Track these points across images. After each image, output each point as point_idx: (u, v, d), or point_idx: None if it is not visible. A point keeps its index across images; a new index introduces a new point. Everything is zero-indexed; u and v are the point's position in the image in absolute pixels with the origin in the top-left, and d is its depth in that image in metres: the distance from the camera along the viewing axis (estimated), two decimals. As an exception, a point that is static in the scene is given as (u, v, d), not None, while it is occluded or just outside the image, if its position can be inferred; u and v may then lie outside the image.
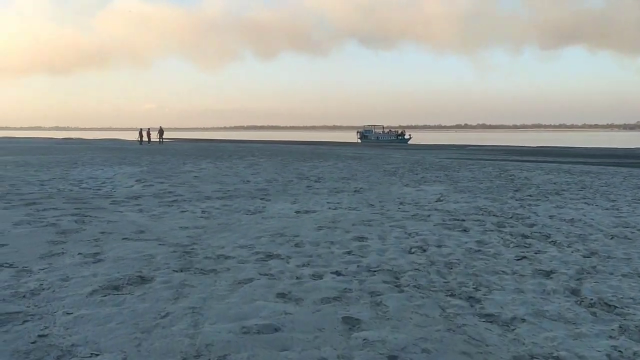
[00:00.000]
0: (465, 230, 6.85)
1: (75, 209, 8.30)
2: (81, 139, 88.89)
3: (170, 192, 10.68)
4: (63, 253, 5.38)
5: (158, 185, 11.94)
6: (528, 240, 6.30)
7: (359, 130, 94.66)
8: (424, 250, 5.75)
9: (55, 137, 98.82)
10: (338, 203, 9.60)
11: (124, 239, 6.15)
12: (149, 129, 50.97)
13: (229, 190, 11.18)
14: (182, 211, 8.37)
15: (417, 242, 6.19)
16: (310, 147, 50.06)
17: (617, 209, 9.01)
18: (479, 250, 5.75)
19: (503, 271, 4.95)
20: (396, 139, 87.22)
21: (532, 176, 16.43)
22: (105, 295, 4.05)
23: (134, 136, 60.07)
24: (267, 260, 5.24)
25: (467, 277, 4.76)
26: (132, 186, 11.95)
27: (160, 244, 5.88)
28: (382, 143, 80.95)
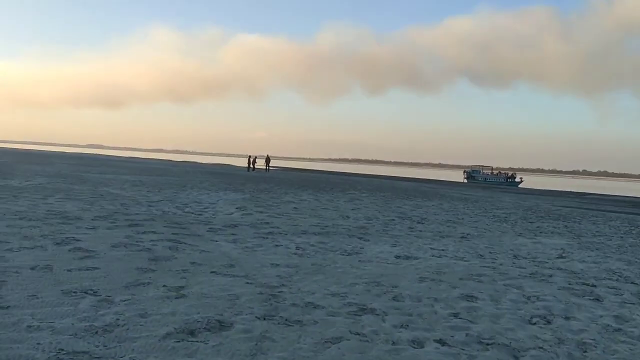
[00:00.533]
0: (598, 300, 5.73)
1: (173, 234, 8.27)
2: (196, 162, 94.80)
3: (267, 223, 10.46)
4: (149, 283, 5.16)
5: (257, 215, 11.82)
6: (684, 322, 5.07)
7: (466, 169, 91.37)
8: (549, 322, 4.79)
9: (174, 159, 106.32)
10: (443, 250, 8.74)
11: (212, 272, 5.85)
12: (255, 156, 52.71)
13: (326, 226, 10.74)
14: (277, 245, 8.02)
15: (538, 309, 5.22)
16: (414, 185, 48.81)
17: None
18: (619, 330, 4.68)
19: (657, 364, 3.90)
20: (506, 181, 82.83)
21: (671, 235, 14.25)
22: (178, 341, 3.66)
23: (245, 162, 62.52)
24: (360, 315, 4.61)
25: (609, 367, 3.78)
26: (232, 213, 11.94)
27: (247, 282, 5.48)
28: (490, 185, 77.23)
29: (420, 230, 11.35)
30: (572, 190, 70.80)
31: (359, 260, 7.25)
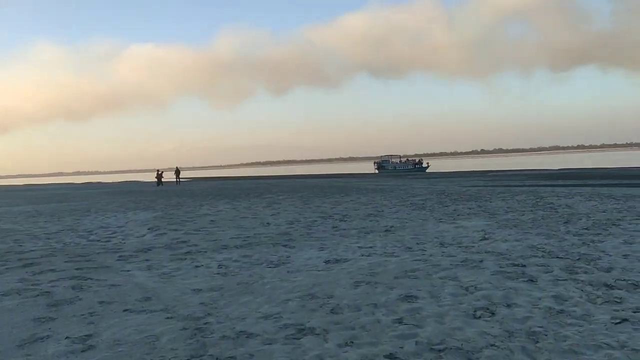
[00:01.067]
0: (532, 281, 5.70)
1: (76, 269, 7.34)
2: (101, 182, 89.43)
3: (184, 242, 9.70)
4: (49, 337, 4.38)
5: (171, 234, 10.99)
6: (615, 292, 5.12)
7: (376, 160, 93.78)
8: (493, 313, 4.62)
9: (76, 182, 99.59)
10: (371, 247, 8.51)
11: (125, 310, 5.13)
12: (162, 170, 50.52)
13: (248, 237, 10.17)
14: (197, 266, 7.36)
15: (479, 299, 5.06)
16: (328, 181, 49.11)
17: (697, 242, 7.76)
18: (562, 312, 4.60)
19: (607, 344, 3.81)
20: (414, 168, 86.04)
21: (573, 203, 15.15)
22: (87, 412, 3.01)
23: (154, 177, 59.86)
24: (299, 338, 4.16)
25: (565, 356, 3.62)
26: (144, 235, 11.02)
27: (168, 317, 4.84)
28: (400, 173, 79.79)
29: (345, 229, 11.10)
30: (475, 170, 74.93)
31: (288, 271, 6.79)
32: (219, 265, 7.33)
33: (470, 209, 14.80)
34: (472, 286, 5.56)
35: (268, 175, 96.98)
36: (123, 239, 10.53)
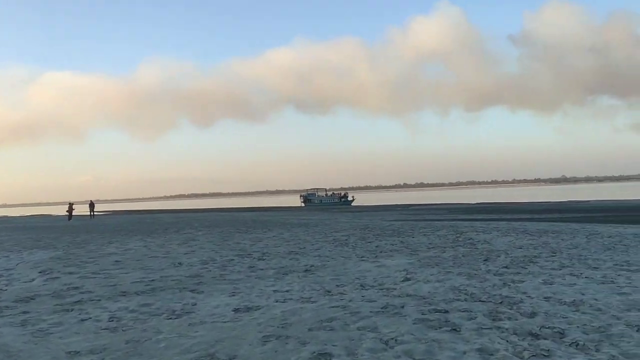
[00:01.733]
0: (456, 330, 5.27)
1: None
2: (6, 216, 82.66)
3: (76, 288, 8.56)
4: None
5: (65, 278, 9.75)
6: (542, 343, 4.78)
7: (302, 194, 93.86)
8: (414, 374, 4.09)
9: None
10: (287, 291, 7.84)
11: (-27, 385, 4.13)
12: (73, 203, 47.42)
13: (153, 280, 9.17)
14: (83, 319, 6.35)
15: (400, 357, 4.53)
16: (254, 214, 48.07)
17: (612, 281, 7.77)
18: (489, 368, 4.16)
19: (539, 411, 3.36)
20: (340, 201, 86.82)
21: (491, 239, 15.33)
22: None
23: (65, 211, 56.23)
24: (185, 419, 3.40)
25: None
26: (33, 280, 9.70)
27: (25, 393, 3.91)
28: (326, 206, 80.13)
29: (262, 269, 10.38)
30: (398, 203, 76.70)
31: (190, 324, 5.97)
32: (110, 318, 6.37)
33: (392, 245, 14.56)
34: (392, 339, 5.04)
35: (192, 209, 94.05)
36: (6, 285, 9.19)
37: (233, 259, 12.06)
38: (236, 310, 6.62)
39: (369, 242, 15.42)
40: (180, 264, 11.48)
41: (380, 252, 13.00)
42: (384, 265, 10.31)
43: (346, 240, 16.36)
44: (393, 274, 9.14)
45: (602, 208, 40.85)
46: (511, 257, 10.91)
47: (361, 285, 8.13)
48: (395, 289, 7.71)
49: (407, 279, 8.50)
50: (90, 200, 49.80)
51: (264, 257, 12.28)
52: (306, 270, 10.01)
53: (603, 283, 7.62)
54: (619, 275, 8.34)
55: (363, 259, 11.58)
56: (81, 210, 49.53)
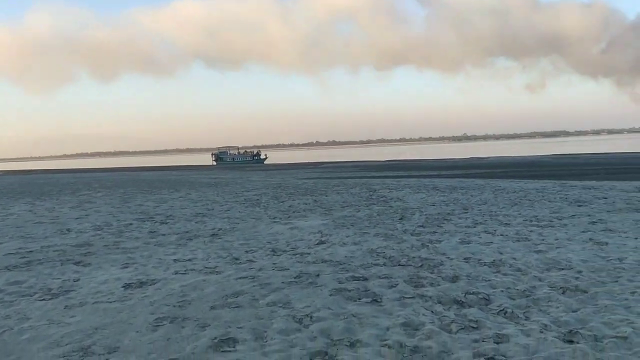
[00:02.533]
0: (377, 302, 4.75)
1: None
2: None
3: None
4: None
5: None
6: (468, 312, 4.38)
7: (214, 152, 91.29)
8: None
9: None
10: (190, 260, 7.00)
11: None
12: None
13: (31, 252, 7.90)
14: None
15: (316, 337, 3.92)
16: (160, 174, 45.71)
17: (526, 238, 7.69)
18: (416, 350, 3.65)
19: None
20: (252, 159, 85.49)
21: (404, 196, 15.26)
22: None
23: None
24: None
25: None
26: None
27: None
28: (239, 165, 78.60)
29: (164, 234, 9.39)
30: (310, 161, 76.78)
31: (66, 306, 4.99)
32: (-35, 302, 5.21)
33: (306, 204, 14.03)
34: (307, 315, 4.41)
35: (93, 168, 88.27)
36: None
37: (132, 224, 10.91)
38: (127, 286, 5.69)
39: (282, 202, 14.78)
40: (68, 230, 10.17)
41: (294, 212, 12.40)
42: (298, 227, 9.70)
43: (258, 200, 15.60)
44: (307, 237, 8.55)
45: (501, 164, 43.16)
46: (425, 215, 10.73)
47: (272, 251, 7.46)
48: (309, 253, 7.12)
49: (322, 242, 7.95)
50: None
51: (167, 221, 11.25)
52: (213, 235, 9.17)
53: (518, 241, 7.51)
54: (530, 231, 8.32)
55: (275, 220, 10.91)
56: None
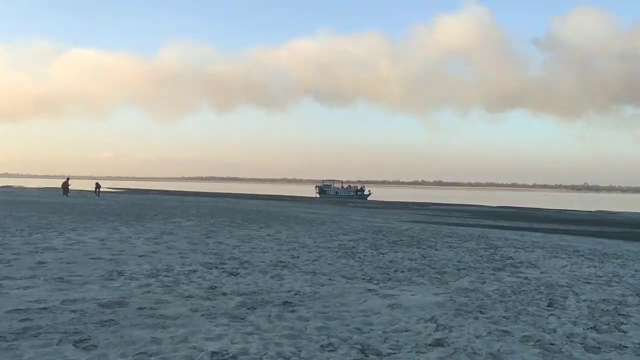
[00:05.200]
0: None
1: None
2: (22, 187, 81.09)
3: None
4: None
5: None
6: None
7: (318, 184, 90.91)
8: None
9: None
10: (240, 346, 4.65)
11: None
12: (69, 178, 45.31)
13: (44, 309, 5.98)
14: None
15: None
16: (262, 204, 45.05)
17: None
18: None
19: None
20: (355, 194, 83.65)
21: (537, 261, 11.95)
22: None
23: (90, 186, 56.77)
24: None
25: None
26: None
27: None
28: (341, 199, 77.01)
29: (225, 293, 7.21)
30: (416, 201, 72.98)
31: None
32: None
33: (411, 260, 11.29)
34: None
35: (203, 192, 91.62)
36: None
37: (196, 271, 8.89)
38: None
39: (382, 254, 12.16)
40: (119, 274, 8.34)
41: (395, 271, 9.75)
42: (401, 304, 7.00)
43: (354, 248, 13.10)
44: (414, 326, 5.86)
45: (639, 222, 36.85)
46: (586, 302, 7.53)
47: (361, 351, 4.88)
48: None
49: (439, 344, 5.21)
50: (96, 182, 49.24)
51: (239, 270, 9.10)
52: (285, 303, 6.79)
53: None
54: None
55: (371, 285, 8.32)
56: (83, 186, 47.32)
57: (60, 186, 44.91)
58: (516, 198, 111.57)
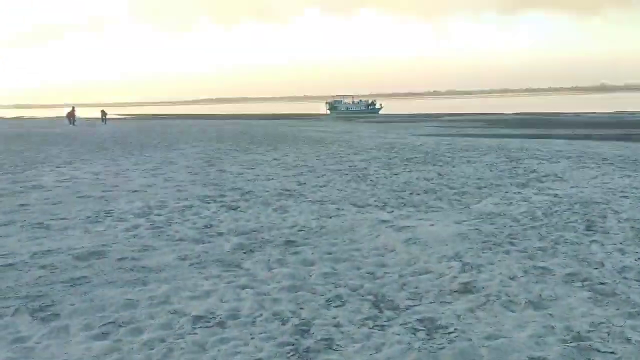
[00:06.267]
0: None
1: None
2: (34, 118, 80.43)
3: None
4: None
5: None
6: None
7: (328, 101, 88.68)
8: None
9: (5, 116, 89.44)
10: (230, 305, 3.90)
11: None
12: (74, 107, 44.37)
13: (11, 265, 5.28)
14: None
15: None
16: (274, 123, 43.95)
17: None
18: None
19: None
20: (367, 109, 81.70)
21: (564, 173, 11.02)
22: None
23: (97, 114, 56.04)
24: None
25: None
26: None
27: None
28: (353, 114, 75.36)
29: (221, 233, 6.44)
30: (429, 113, 71.04)
31: None
32: None
33: (427, 180, 10.41)
34: None
35: (213, 114, 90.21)
36: None
37: (192, 206, 8.10)
38: None
39: (396, 175, 11.27)
40: (106, 214, 7.58)
41: (411, 194, 8.91)
42: (418, 237, 6.14)
43: (365, 169, 12.20)
44: (435, 264, 5.05)
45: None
46: (627, 220, 6.63)
47: (374, 304, 4.10)
48: (446, 327, 3.64)
49: (466, 289, 4.39)
50: (102, 110, 48.42)
51: (239, 204, 8.29)
52: (287, 242, 6.00)
53: None
54: None
55: (384, 212, 7.49)
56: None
57: (65, 116, 44.08)
58: (532, 104, 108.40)
